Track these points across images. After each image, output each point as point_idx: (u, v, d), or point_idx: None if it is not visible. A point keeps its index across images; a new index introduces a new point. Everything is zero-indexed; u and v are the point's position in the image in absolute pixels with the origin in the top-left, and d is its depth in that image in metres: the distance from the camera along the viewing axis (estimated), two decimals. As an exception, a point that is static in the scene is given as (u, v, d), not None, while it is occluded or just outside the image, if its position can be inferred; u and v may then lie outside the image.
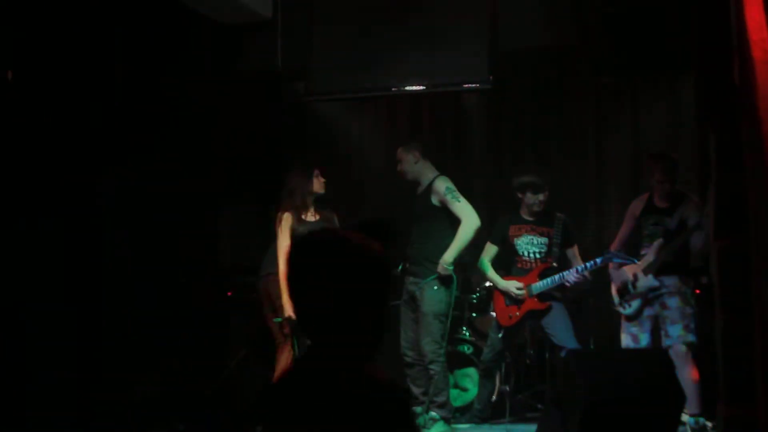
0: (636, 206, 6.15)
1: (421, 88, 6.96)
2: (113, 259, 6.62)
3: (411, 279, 6.29)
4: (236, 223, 7.08)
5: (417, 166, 6.35)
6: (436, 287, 6.10)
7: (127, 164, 6.86)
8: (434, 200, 6.21)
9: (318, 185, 6.18)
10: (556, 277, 6.17)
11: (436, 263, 6.12)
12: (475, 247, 6.44)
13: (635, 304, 5.95)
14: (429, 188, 6.27)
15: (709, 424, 5.58)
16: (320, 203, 6.22)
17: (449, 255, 6.07)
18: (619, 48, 7.05)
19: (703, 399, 5.59)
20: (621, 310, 6.05)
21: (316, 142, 7.86)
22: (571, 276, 6.12)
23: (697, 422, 5.59)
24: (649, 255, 5.89)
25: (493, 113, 7.76)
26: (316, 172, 6.20)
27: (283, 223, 6.18)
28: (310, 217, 6.17)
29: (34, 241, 5.89)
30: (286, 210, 6.16)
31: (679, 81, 7.26)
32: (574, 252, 6.38)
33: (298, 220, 6.14)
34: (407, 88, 6.98)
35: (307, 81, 7.27)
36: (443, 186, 6.23)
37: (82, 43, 6.49)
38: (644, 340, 5.92)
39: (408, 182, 6.41)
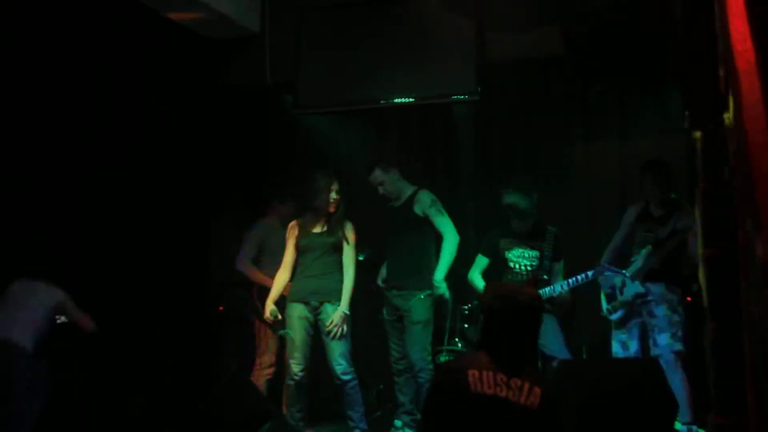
0: (631, 213, 6.19)
1: (410, 100, 6.98)
2: (102, 271, 6.63)
3: (395, 292, 6.31)
4: (226, 237, 7.07)
5: (399, 183, 6.40)
6: (423, 296, 6.12)
7: (115, 178, 6.87)
8: (417, 210, 6.23)
9: (328, 202, 6.16)
10: (547, 290, 6.18)
11: (423, 276, 6.14)
12: (465, 259, 6.45)
13: (622, 310, 5.98)
14: (411, 199, 6.30)
15: (701, 431, 5.60)
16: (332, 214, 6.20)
17: (440, 274, 6.11)
18: (606, 58, 7.09)
19: (695, 407, 5.61)
20: (608, 316, 6.08)
21: (306, 156, 7.86)
22: (559, 288, 6.15)
23: (689, 430, 5.60)
24: (637, 261, 5.92)
25: (481, 124, 7.77)
26: (333, 188, 6.18)
27: (289, 233, 6.22)
28: (317, 229, 6.17)
29: (27, 253, 5.89)
30: (297, 220, 6.23)
31: (666, 91, 7.29)
32: (558, 267, 6.40)
33: (303, 232, 6.16)
34: (395, 100, 6.99)
35: (295, 94, 7.28)
36: (428, 198, 6.27)
37: (72, 59, 6.51)
38: (633, 347, 5.95)
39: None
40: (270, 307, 6.15)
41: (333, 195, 6.16)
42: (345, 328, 5.99)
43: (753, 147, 2.85)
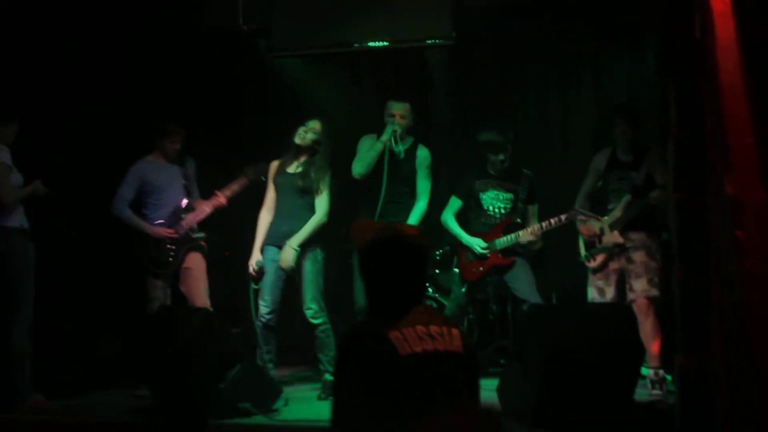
0: (599, 160, 6.16)
1: (384, 44, 6.91)
2: (70, 211, 6.57)
3: None
4: (200, 182, 6.99)
5: None
6: None
7: (82, 126, 6.78)
8: (417, 163, 6.19)
9: (296, 134, 6.10)
10: (520, 232, 6.20)
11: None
12: (438, 201, 6.44)
13: (601, 258, 5.99)
14: (414, 150, 6.24)
15: (669, 376, 5.65)
16: (312, 155, 6.12)
17: None
18: (581, 6, 7.05)
19: (664, 352, 5.66)
20: (587, 263, 6.09)
21: (280, 100, 7.79)
22: (529, 234, 6.16)
23: (656, 374, 5.65)
24: (616, 211, 5.91)
25: (456, 69, 7.72)
26: (306, 123, 6.12)
27: (269, 172, 6.18)
28: (292, 168, 6.12)
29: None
30: (278, 160, 6.17)
31: (642, 37, 7.27)
32: (533, 210, 6.41)
33: (279, 170, 6.12)
34: (369, 44, 6.92)
35: (268, 38, 7.18)
36: (429, 158, 6.25)
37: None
38: (610, 293, 5.95)
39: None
40: (255, 256, 6.10)
41: (310, 135, 6.10)
42: (292, 263, 5.94)
43: (725, 88, 2.85)
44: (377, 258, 3.01)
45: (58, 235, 6.49)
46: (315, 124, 6.14)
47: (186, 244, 6.34)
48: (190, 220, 6.34)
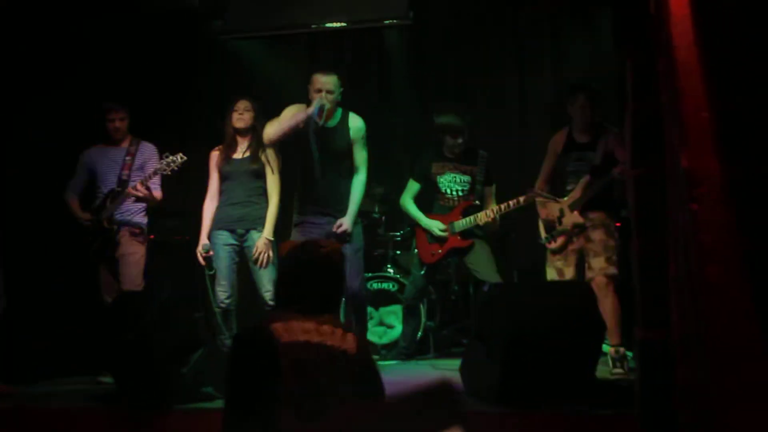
0: (557, 142, 6.14)
1: (341, 24, 6.87)
2: (25, 196, 6.50)
3: (327, 219, 5.89)
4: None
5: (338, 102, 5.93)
6: (356, 223, 5.97)
7: (34, 108, 6.68)
8: (352, 134, 5.87)
9: (236, 119, 6.04)
10: (480, 214, 6.20)
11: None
12: (398, 184, 6.42)
13: (561, 239, 6.01)
14: (345, 121, 5.90)
15: (629, 353, 5.69)
16: (254, 136, 6.04)
17: (352, 217, 5.86)
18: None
19: (624, 329, 5.69)
20: (547, 244, 6.10)
21: (235, 82, 7.72)
22: (485, 216, 6.17)
23: (617, 351, 5.68)
24: (575, 191, 5.92)
25: (414, 49, 7.70)
26: (237, 106, 6.04)
27: (211, 161, 6.10)
28: (238, 154, 6.05)
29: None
30: (217, 148, 6.09)
31: (599, 14, 7.29)
32: (491, 191, 6.41)
33: (224, 158, 6.05)
34: (327, 24, 6.88)
35: (224, 18, 7.12)
36: (363, 127, 5.93)
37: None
38: (569, 273, 5.97)
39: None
40: (203, 241, 6.04)
41: (248, 115, 6.03)
42: (270, 254, 5.92)
43: (680, 64, 2.85)
44: (290, 259, 3.35)
45: (16, 222, 6.41)
46: (247, 104, 6.06)
47: (110, 232, 6.22)
48: (112, 207, 6.21)
